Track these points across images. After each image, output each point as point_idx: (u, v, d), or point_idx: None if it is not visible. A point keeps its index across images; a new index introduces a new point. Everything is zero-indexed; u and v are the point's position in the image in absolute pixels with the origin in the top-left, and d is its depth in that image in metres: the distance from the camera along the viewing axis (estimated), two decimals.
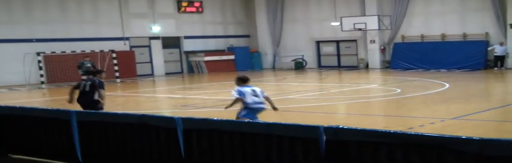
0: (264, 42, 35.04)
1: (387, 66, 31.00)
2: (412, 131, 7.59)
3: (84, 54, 25.44)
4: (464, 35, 28.67)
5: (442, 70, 27.86)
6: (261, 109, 10.38)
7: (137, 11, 30.75)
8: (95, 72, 12.04)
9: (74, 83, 12.78)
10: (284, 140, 6.10)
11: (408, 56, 29.93)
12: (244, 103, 10.21)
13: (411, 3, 29.97)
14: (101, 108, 11.19)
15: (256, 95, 10.30)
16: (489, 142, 4.86)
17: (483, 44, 27.83)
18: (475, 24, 28.27)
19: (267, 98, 10.50)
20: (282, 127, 6.26)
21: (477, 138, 4.93)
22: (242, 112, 10.23)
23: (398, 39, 30.78)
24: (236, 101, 10.26)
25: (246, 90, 10.28)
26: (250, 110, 10.32)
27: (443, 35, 29.31)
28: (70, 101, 11.48)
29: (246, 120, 9.86)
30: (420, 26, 30.03)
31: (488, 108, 13.60)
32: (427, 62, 29.19)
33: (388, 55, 31.24)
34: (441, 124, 11.39)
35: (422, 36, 29.96)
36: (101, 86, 11.31)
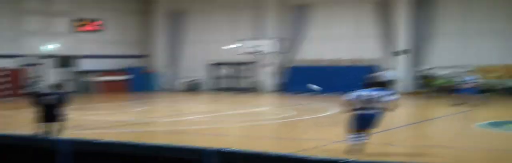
0: (161, 63, 34.75)
1: (282, 89, 31.48)
2: (303, 154, 7.69)
3: None
4: (356, 60, 29.73)
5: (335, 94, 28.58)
6: (366, 116, 9.37)
7: (31, 28, 29.67)
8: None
9: None
10: (171, 162, 6.02)
11: (303, 80, 30.52)
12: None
13: (307, 28, 30.77)
14: None
15: (367, 100, 9.26)
16: None
17: (373, 69, 28.91)
18: (366, 50, 29.41)
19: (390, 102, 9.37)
20: (169, 149, 6.19)
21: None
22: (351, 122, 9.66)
23: (293, 63, 31.41)
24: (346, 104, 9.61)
25: (361, 93, 9.32)
26: (355, 116, 9.42)
27: (336, 60, 30.23)
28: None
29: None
30: (315, 50, 30.83)
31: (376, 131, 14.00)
32: (320, 86, 29.85)
33: (284, 78, 31.77)
34: (333, 145, 11.62)
35: (317, 61, 30.75)
36: None
